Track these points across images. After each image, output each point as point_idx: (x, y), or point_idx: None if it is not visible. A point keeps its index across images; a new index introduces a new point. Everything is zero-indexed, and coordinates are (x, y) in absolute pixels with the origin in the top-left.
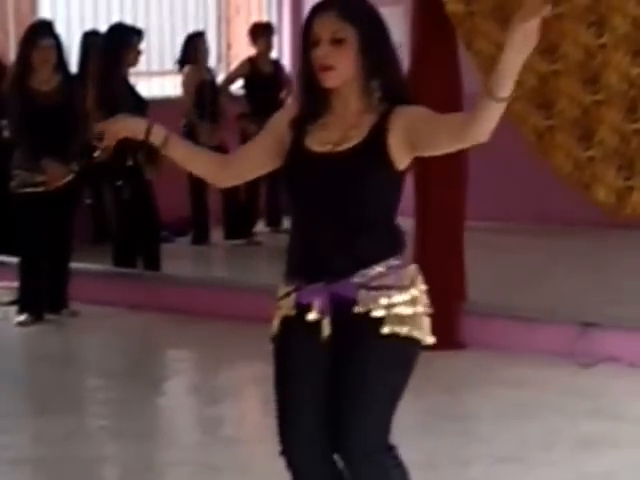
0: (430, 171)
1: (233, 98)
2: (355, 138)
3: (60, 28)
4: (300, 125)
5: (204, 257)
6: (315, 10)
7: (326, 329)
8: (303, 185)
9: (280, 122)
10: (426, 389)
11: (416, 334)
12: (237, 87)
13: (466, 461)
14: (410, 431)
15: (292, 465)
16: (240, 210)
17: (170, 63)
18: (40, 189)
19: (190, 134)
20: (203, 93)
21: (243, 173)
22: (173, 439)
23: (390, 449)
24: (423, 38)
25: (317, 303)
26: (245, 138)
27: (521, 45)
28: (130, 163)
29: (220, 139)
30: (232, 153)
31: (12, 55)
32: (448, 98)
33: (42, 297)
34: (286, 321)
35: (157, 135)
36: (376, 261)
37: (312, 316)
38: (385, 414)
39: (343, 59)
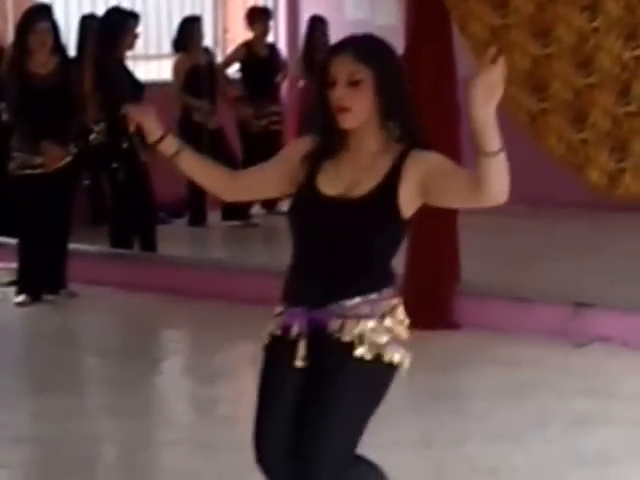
0: None
1: (229, 82)
2: (366, 183)
3: (58, 12)
4: (314, 161)
5: (200, 238)
6: (332, 51)
7: (301, 350)
8: (308, 225)
9: (295, 152)
10: (421, 369)
11: (387, 359)
12: (233, 71)
13: (460, 439)
14: (405, 410)
15: (266, 473)
16: None
17: (167, 46)
18: (39, 171)
19: (187, 118)
20: (199, 77)
21: (251, 191)
22: (170, 418)
23: (356, 459)
24: (418, 20)
25: (296, 324)
26: (241, 121)
27: (484, 99)
28: (125, 145)
29: (219, 122)
30: (243, 170)
31: (11, 39)
32: (442, 80)
33: (41, 278)
34: (273, 339)
35: (169, 146)
36: (357, 294)
37: (293, 331)
38: (349, 437)
39: (360, 101)
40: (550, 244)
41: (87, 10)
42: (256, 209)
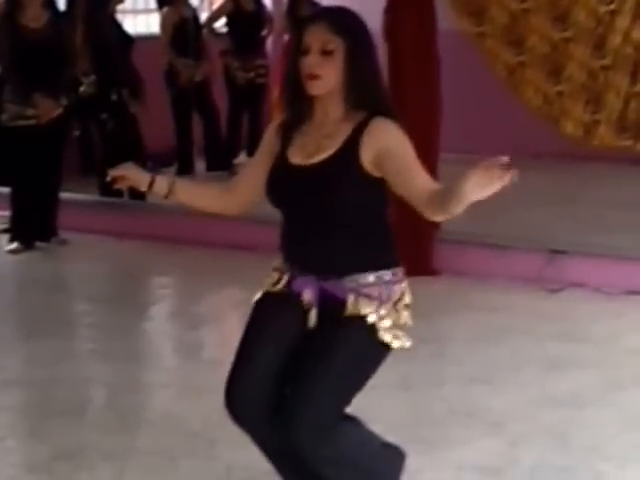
0: (405, 104)
1: (216, 35)
2: (328, 149)
3: None
4: (285, 133)
5: None
6: (307, 21)
7: (312, 320)
8: (281, 195)
9: (270, 134)
10: None
11: (386, 340)
12: (220, 25)
13: (439, 382)
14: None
15: (233, 414)
16: (222, 142)
17: (154, 1)
18: (31, 122)
19: (172, 72)
20: (185, 30)
21: (253, 192)
22: (158, 361)
23: (336, 424)
24: None
25: (308, 292)
26: (228, 74)
27: (477, 185)
28: (114, 97)
29: (203, 74)
30: (234, 179)
31: None
32: (423, 32)
33: (32, 226)
34: (271, 294)
35: (160, 186)
36: (367, 268)
37: (304, 298)
38: (334, 400)
39: (330, 69)
40: (525, 193)
41: None
42: (242, 158)
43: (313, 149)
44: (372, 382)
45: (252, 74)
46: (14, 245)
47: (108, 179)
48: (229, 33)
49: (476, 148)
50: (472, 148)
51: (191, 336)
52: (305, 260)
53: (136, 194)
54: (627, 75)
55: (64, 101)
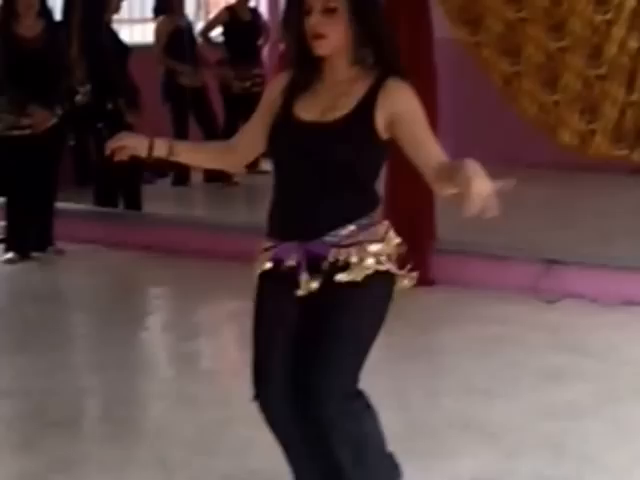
0: None
1: (212, 45)
2: (343, 108)
3: None
4: (291, 93)
5: (184, 197)
6: None
7: (304, 278)
8: (288, 151)
9: (272, 92)
10: (397, 325)
11: (388, 268)
12: (216, 34)
13: (436, 393)
14: (381, 364)
15: (264, 410)
16: None
17: (151, 11)
18: (26, 132)
19: (171, 79)
20: (180, 39)
21: (255, 149)
22: (153, 372)
23: (358, 394)
24: None
25: (290, 257)
26: (224, 83)
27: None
28: (110, 106)
29: (201, 81)
30: (235, 136)
31: None
32: (418, 42)
33: (28, 236)
34: (264, 275)
35: (160, 148)
36: (349, 221)
37: (288, 263)
38: (352, 361)
39: (335, 28)
40: (522, 204)
41: None
42: None
43: (326, 107)
44: (368, 393)
45: (248, 83)
46: (10, 255)
47: (107, 152)
48: (225, 42)
49: (472, 157)
50: (468, 157)
51: (186, 346)
52: (290, 226)
53: (132, 204)
54: (623, 85)
55: (59, 111)
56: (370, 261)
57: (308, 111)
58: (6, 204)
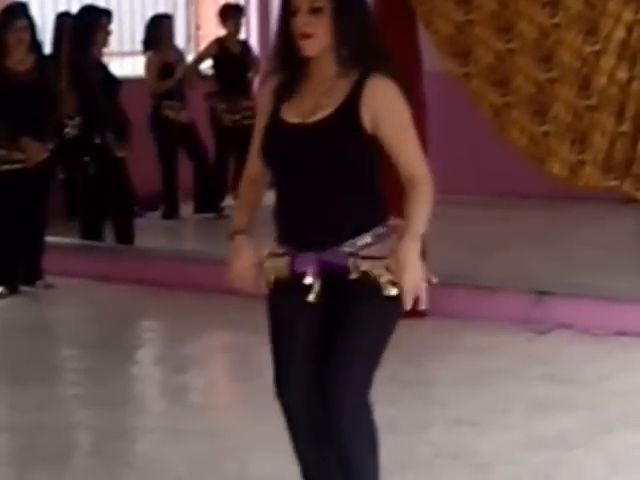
0: None
1: (202, 77)
2: (327, 107)
3: (34, 10)
4: (279, 96)
5: (174, 231)
6: None
7: (316, 288)
8: (279, 157)
9: (264, 100)
10: (387, 356)
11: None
12: (206, 67)
13: (425, 424)
14: (372, 396)
15: (287, 411)
16: (209, 185)
17: (140, 44)
18: (17, 166)
19: (158, 113)
20: (171, 74)
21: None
22: (144, 406)
23: (368, 407)
24: (383, 16)
25: (310, 271)
26: (214, 116)
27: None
28: (98, 140)
29: (189, 116)
30: (247, 165)
31: None
32: (409, 74)
33: (17, 270)
34: (279, 281)
35: (249, 238)
36: (363, 230)
37: (307, 281)
38: (367, 368)
39: (321, 27)
40: (512, 234)
41: (62, 8)
42: (228, 201)
43: (311, 108)
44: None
45: (238, 116)
46: None
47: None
48: (215, 75)
49: (463, 189)
50: (459, 189)
51: (177, 380)
52: (302, 235)
53: (125, 238)
54: (613, 115)
55: (51, 144)
56: (388, 277)
57: (294, 113)
58: None
